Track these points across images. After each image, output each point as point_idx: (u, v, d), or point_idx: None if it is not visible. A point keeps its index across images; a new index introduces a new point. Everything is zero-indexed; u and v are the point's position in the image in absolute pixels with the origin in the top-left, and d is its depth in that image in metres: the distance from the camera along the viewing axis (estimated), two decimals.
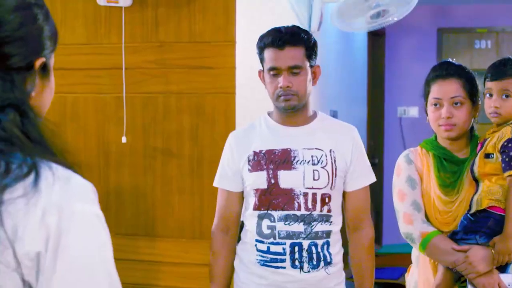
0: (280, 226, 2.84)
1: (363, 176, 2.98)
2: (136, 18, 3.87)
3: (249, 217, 2.94)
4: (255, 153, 2.92)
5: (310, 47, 2.89)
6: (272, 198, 2.86)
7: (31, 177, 1.21)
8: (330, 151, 2.90)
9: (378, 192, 7.74)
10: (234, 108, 3.73)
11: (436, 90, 2.91)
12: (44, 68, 1.36)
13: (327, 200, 2.88)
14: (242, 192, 2.99)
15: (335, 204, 2.91)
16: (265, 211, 2.87)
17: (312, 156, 2.87)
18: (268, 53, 2.87)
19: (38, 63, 1.34)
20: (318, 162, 2.87)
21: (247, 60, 3.81)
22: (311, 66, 2.90)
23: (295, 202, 2.84)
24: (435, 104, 2.91)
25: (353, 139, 2.95)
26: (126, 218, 3.93)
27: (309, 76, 2.89)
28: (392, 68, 8.36)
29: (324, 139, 2.92)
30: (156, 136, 3.88)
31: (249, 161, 2.92)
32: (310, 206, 2.84)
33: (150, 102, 3.88)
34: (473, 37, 8.29)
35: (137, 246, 3.90)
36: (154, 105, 3.87)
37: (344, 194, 2.98)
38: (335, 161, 2.89)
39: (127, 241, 3.90)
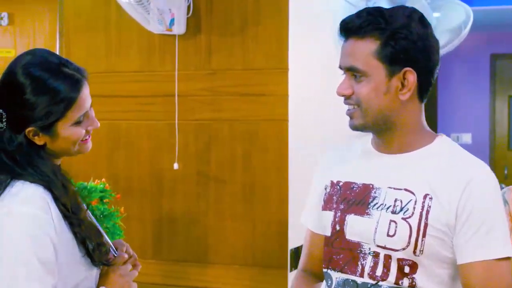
0: None
1: (480, 244, 1.82)
2: (189, 46, 3.90)
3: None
4: (332, 184, 2.04)
5: (390, 41, 1.85)
6: (334, 252, 1.97)
7: None
8: (425, 196, 1.86)
9: None
10: (287, 135, 3.72)
11: None
12: (36, 134, 1.87)
13: (407, 269, 1.86)
14: None
15: (428, 278, 1.87)
16: (326, 269, 2.01)
17: (395, 200, 1.89)
18: None
19: (27, 131, 1.86)
20: (401, 210, 1.87)
21: (299, 87, 3.80)
22: (391, 71, 1.87)
23: (358, 263, 1.91)
24: None
25: (470, 183, 1.83)
26: (178, 244, 3.93)
27: (382, 85, 1.88)
28: (445, 94, 8.29)
29: (421, 178, 1.89)
30: (209, 163, 3.89)
31: (325, 194, 2.06)
32: (378, 273, 1.88)
33: (202, 129, 3.89)
34: None
35: (189, 273, 3.90)
36: (207, 132, 3.89)
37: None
38: (428, 212, 1.84)
39: (179, 267, 3.90)
